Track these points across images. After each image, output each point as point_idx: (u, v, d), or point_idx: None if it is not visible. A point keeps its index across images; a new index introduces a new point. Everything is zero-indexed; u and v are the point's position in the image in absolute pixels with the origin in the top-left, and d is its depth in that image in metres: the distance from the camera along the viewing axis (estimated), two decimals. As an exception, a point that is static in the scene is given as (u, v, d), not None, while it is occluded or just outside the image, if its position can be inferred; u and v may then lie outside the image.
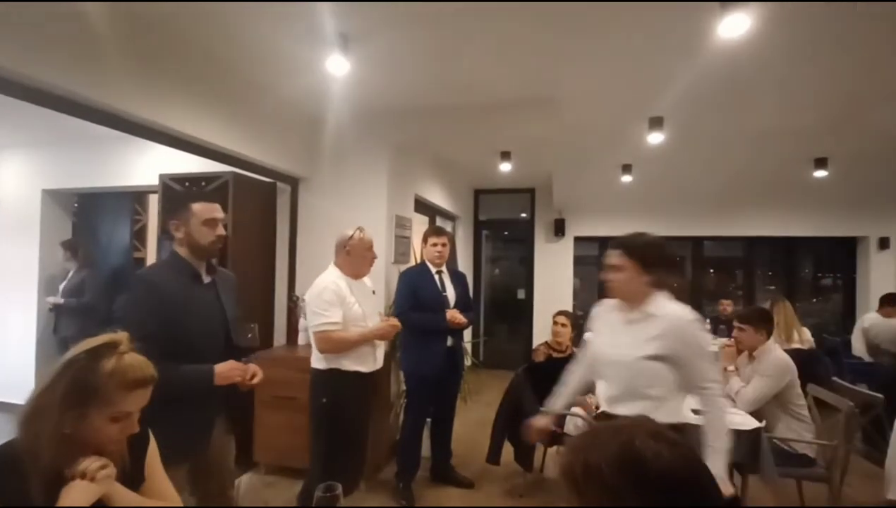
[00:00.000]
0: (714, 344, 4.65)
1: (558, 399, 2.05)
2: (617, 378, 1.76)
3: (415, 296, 2.99)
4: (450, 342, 3.04)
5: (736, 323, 2.87)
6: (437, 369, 2.98)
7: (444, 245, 3.11)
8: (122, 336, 1.10)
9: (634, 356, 1.68)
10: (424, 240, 3.20)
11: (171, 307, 1.62)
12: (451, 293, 3.11)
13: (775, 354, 2.71)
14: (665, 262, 1.76)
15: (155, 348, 1.22)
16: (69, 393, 1.00)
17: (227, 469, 1.91)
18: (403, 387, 3.45)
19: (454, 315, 2.97)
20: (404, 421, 3.13)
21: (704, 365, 1.69)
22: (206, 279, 1.81)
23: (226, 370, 1.67)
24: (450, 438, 3.26)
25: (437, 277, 3.10)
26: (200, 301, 1.74)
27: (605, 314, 1.89)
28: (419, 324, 2.93)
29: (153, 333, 1.47)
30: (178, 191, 3.40)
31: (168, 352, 1.43)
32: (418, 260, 3.62)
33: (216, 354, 1.70)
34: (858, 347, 4.57)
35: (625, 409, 1.71)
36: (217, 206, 1.82)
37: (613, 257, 1.77)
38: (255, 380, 1.76)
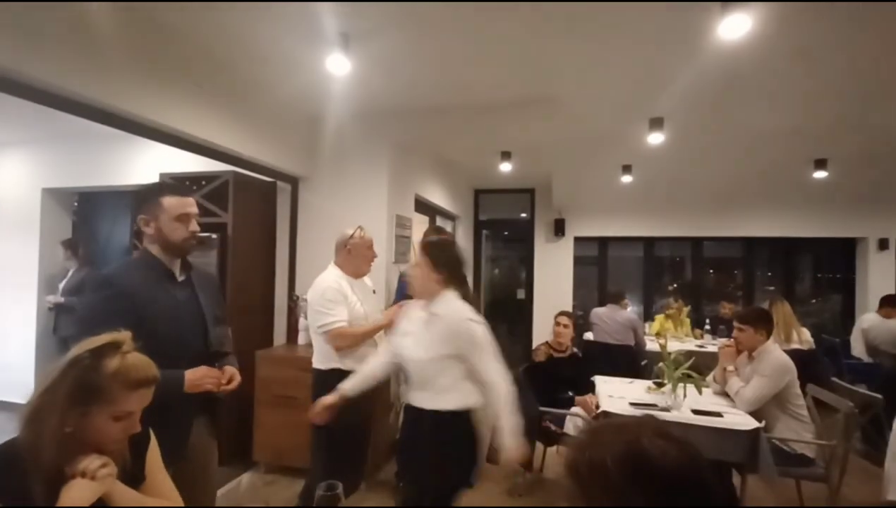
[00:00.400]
0: (713, 344, 4.70)
1: (350, 380, 2.08)
2: (412, 372, 1.95)
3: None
4: (450, 341, 3.04)
5: (735, 324, 2.88)
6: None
7: (444, 244, 3.11)
8: (125, 335, 1.10)
9: (426, 356, 1.87)
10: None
11: (138, 308, 1.49)
12: (451, 293, 3.10)
13: (775, 354, 2.71)
14: (453, 264, 1.96)
15: None
16: (72, 391, 1.00)
17: (209, 474, 1.81)
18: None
19: (454, 314, 2.97)
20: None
21: (483, 360, 1.84)
22: (181, 277, 1.69)
23: (197, 377, 1.56)
24: (449, 438, 3.25)
25: (437, 277, 3.09)
26: (173, 301, 1.62)
27: (411, 312, 2.06)
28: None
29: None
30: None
31: None
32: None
33: (191, 356, 1.59)
34: (858, 348, 4.57)
35: (418, 397, 1.93)
36: (191, 200, 1.67)
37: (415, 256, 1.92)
38: (232, 385, 1.67)
